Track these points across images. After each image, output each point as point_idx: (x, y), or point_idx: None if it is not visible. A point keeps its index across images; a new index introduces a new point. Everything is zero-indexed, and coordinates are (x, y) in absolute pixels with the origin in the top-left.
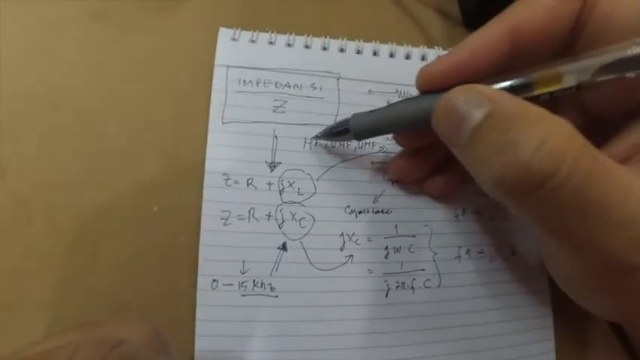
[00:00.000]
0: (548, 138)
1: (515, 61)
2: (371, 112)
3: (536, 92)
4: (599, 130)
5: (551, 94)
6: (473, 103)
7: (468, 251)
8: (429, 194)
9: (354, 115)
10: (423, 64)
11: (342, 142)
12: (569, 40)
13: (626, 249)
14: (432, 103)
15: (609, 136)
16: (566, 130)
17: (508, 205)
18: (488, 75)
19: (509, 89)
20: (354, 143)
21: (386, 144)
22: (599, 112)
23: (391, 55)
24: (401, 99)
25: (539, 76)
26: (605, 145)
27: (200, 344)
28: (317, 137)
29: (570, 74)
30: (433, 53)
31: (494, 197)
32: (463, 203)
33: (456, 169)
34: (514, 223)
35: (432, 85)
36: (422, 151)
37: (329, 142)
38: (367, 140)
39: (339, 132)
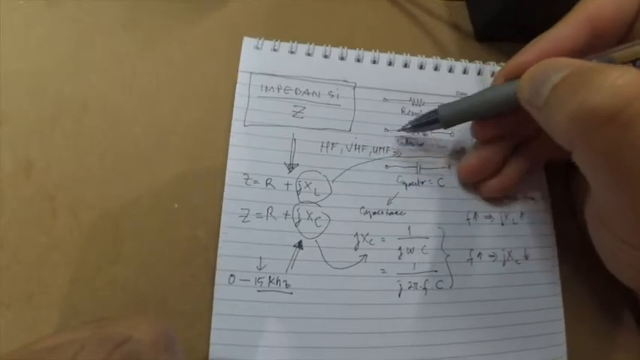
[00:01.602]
0: (620, 77)
1: (591, 49)
2: (457, 101)
3: (619, 62)
4: None
5: (633, 63)
6: (554, 68)
7: (479, 254)
8: (486, 195)
9: (442, 106)
10: (436, 73)
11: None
12: (631, 27)
13: None
14: (514, 86)
15: None
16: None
17: (580, 146)
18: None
19: None
20: (368, 148)
21: (400, 149)
22: None
23: (405, 65)
24: (484, 88)
25: (620, 54)
26: None
27: (216, 338)
28: (405, 129)
29: None
30: (446, 64)
31: (566, 145)
32: (475, 207)
33: (513, 167)
34: (525, 229)
35: (519, 74)
36: (488, 148)
37: (415, 134)
38: (382, 145)
39: (428, 122)
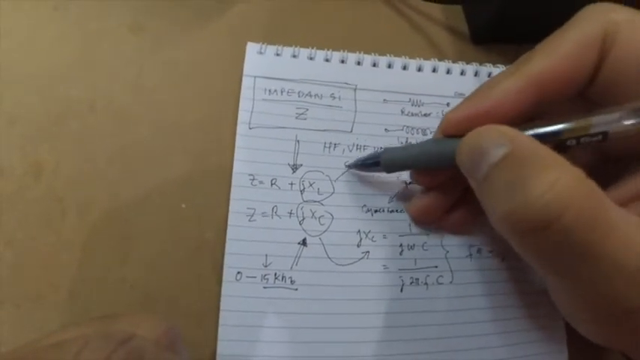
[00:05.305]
0: (556, 182)
1: (538, 108)
2: (400, 148)
3: (564, 137)
4: (610, 168)
5: (577, 140)
6: (495, 141)
7: (479, 250)
8: (445, 231)
9: (386, 150)
10: (434, 75)
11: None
12: (587, 84)
13: (624, 294)
14: (456, 146)
15: (619, 175)
16: (575, 176)
17: (511, 242)
18: (510, 122)
19: (537, 136)
20: (369, 148)
21: None
22: (612, 151)
23: (404, 68)
24: (429, 138)
25: (568, 126)
26: (612, 185)
27: (223, 334)
28: (349, 167)
29: (599, 124)
30: (443, 66)
31: (500, 233)
32: None
33: (468, 206)
34: None
35: (455, 131)
36: (437, 192)
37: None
38: (382, 145)
39: (370, 164)
